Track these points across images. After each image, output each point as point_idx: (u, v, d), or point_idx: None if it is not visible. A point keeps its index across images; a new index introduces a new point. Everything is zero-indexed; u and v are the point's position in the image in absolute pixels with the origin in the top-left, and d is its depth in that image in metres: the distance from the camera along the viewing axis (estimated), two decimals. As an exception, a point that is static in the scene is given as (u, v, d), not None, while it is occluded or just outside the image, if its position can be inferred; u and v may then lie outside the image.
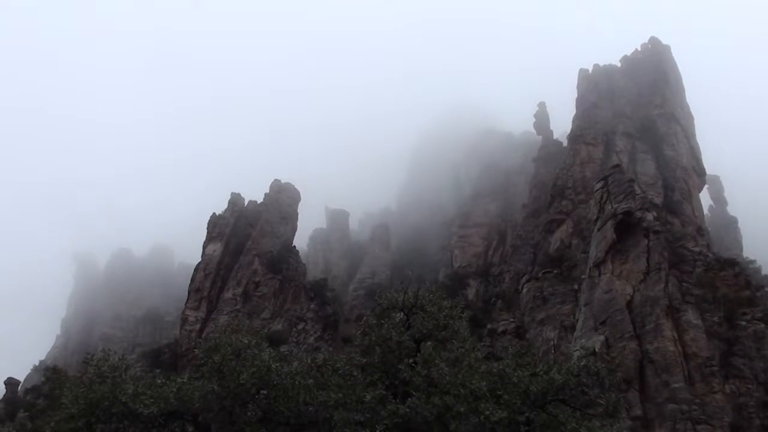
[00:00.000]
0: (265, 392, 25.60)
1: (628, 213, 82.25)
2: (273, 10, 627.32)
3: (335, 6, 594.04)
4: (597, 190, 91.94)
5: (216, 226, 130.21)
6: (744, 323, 78.46)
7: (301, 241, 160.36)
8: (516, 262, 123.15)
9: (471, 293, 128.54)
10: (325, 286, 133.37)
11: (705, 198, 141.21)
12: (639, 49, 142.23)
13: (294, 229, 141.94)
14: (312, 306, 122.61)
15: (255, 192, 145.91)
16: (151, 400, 25.38)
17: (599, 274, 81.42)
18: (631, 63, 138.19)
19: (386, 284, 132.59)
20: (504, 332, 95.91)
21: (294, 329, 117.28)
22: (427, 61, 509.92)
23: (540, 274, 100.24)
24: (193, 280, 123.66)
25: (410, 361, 27.70)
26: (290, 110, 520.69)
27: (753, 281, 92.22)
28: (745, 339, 76.54)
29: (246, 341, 27.15)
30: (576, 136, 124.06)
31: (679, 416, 66.12)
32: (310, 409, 25.47)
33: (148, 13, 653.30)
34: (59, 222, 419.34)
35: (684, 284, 79.38)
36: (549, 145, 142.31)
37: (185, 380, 26.79)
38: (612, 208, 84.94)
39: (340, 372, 26.92)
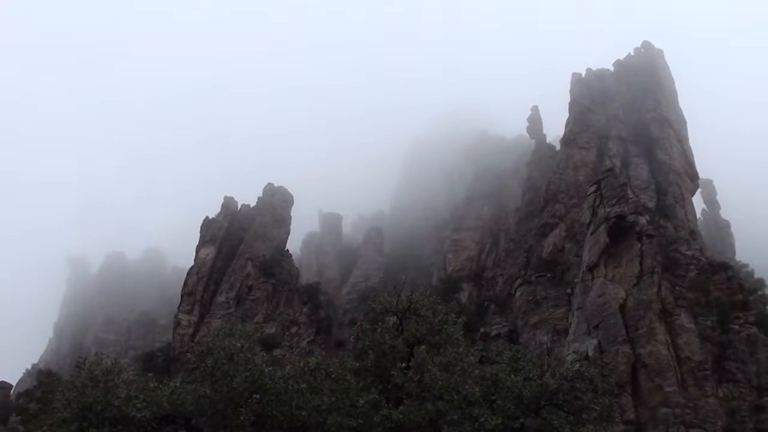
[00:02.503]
0: (257, 396, 25.55)
1: (621, 217, 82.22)
2: (269, 13, 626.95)
3: (331, 9, 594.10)
4: (590, 194, 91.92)
5: (209, 230, 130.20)
6: (737, 327, 78.58)
7: (294, 244, 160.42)
8: (509, 266, 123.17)
9: (464, 297, 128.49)
10: (318, 290, 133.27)
11: (698, 202, 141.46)
12: (632, 53, 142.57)
13: (287, 233, 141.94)
14: (305, 310, 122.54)
15: (248, 195, 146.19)
16: (144, 404, 25.35)
17: (592, 278, 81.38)
18: (624, 67, 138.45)
19: (379, 288, 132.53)
20: (497, 336, 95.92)
21: (287, 333, 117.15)
22: (421, 65, 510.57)
23: (533, 278, 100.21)
24: (186, 283, 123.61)
25: (403, 365, 27.70)
26: (284, 113, 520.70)
27: (746, 285, 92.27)
28: (738, 343, 76.63)
29: (239, 345, 27.12)
30: (569, 140, 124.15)
31: (671, 420, 66.16)
32: (303, 413, 25.44)
33: (148, 11, 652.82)
34: (52, 225, 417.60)
35: (677, 288, 79.43)
36: (542, 148, 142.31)
37: (178, 384, 26.79)
38: (605, 211, 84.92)
39: (333, 376, 26.90)
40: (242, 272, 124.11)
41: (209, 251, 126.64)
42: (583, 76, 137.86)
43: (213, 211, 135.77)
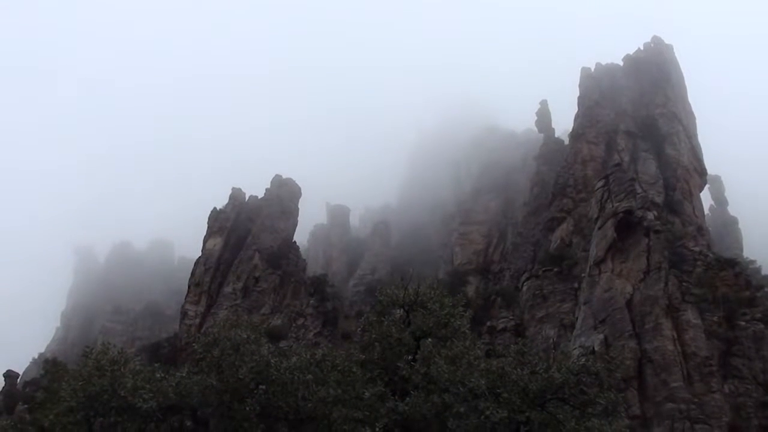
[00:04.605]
0: (263, 387, 25.60)
1: (628, 212, 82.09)
2: (272, 8, 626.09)
3: (339, 1, 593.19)
4: (598, 189, 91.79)
5: (217, 221, 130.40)
6: (743, 323, 78.30)
7: (301, 236, 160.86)
8: (516, 260, 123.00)
9: (471, 290, 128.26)
10: (325, 282, 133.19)
11: (706, 198, 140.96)
12: (641, 48, 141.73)
13: (294, 225, 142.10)
14: (312, 301, 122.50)
15: (256, 187, 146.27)
16: (150, 394, 25.41)
17: (599, 273, 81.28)
18: (634, 62, 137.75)
19: (386, 281, 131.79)
20: (503, 330, 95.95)
21: (293, 324, 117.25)
22: (429, 58, 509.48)
23: (540, 272, 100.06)
24: (193, 274, 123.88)
25: (409, 358, 27.70)
26: (291, 105, 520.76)
27: (753, 281, 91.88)
28: (745, 339, 76.42)
29: (245, 336, 27.18)
30: (578, 134, 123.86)
31: (677, 415, 66.07)
32: (309, 404, 25.46)
33: (150, 7, 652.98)
34: (59, 215, 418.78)
35: (684, 284, 79.13)
36: (550, 143, 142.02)
37: (184, 374, 26.83)
38: (613, 206, 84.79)
39: (339, 368, 26.93)
40: (249, 263, 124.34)
41: (216, 242, 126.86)
42: (593, 70, 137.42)
43: (221, 202, 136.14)
